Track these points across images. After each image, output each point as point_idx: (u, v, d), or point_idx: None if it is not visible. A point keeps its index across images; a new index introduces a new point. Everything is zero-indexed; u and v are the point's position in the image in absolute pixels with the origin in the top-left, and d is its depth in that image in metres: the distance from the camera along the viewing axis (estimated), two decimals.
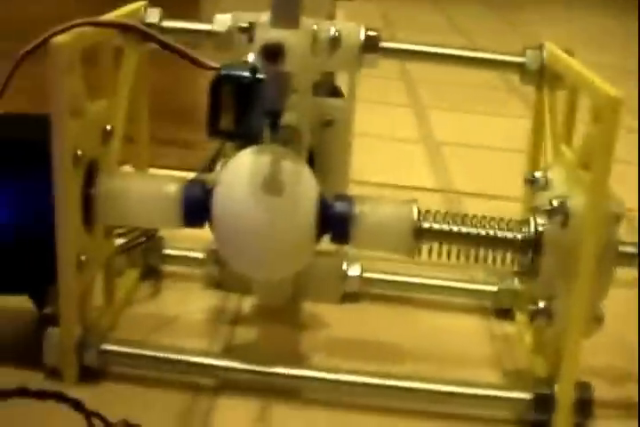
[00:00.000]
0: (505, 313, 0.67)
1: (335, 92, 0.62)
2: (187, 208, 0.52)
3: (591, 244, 0.48)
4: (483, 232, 0.52)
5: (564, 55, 0.57)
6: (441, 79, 1.40)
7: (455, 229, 0.52)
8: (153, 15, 0.60)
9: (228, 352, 0.58)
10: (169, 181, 0.53)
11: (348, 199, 0.52)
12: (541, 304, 0.51)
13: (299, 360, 0.58)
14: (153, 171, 0.67)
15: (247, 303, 0.65)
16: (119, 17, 0.57)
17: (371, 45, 0.58)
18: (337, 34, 0.56)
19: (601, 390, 0.54)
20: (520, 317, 0.65)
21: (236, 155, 0.51)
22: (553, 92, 0.59)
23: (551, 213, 0.50)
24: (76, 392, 0.50)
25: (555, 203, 0.50)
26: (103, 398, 0.52)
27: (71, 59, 0.48)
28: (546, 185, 0.54)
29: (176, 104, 1.08)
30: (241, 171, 0.49)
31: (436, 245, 0.52)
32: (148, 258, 0.67)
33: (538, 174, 0.54)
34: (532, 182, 0.55)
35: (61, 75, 0.47)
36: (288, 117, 0.52)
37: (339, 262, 0.63)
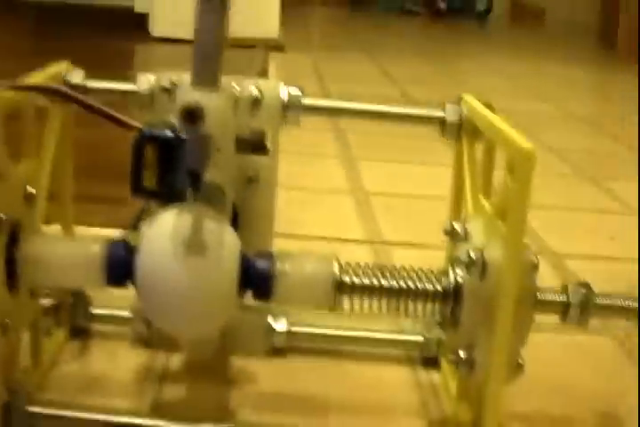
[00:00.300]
0: (433, 361, 0.68)
1: (260, 147, 0.62)
2: (110, 268, 0.52)
3: (509, 293, 0.49)
4: (403, 285, 0.52)
5: (482, 109, 0.58)
6: (370, 129, 1.42)
7: (375, 282, 0.52)
8: (76, 76, 0.61)
9: (155, 411, 0.58)
10: (92, 242, 0.53)
11: (269, 257, 0.52)
12: (462, 353, 0.52)
13: (226, 416, 0.58)
14: (81, 229, 0.67)
15: (175, 360, 0.65)
16: (42, 79, 0.57)
17: (293, 104, 0.59)
18: (258, 94, 0.57)
19: None
20: (445, 365, 0.65)
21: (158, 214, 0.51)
22: (472, 144, 0.61)
23: (469, 264, 0.51)
24: None
25: (472, 255, 0.51)
26: None
27: None
28: (465, 236, 0.55)
29: (103, 160, 1.08)
30: (163, 231, 0.49)
31: (357, 298, 0.53)
32: (74, 317, 0.67)
33: (457, 226, 0.55)
34: (451, 234, 0.56)
35: None
36: (211, 175, 0.52)
37: (264, 318, 0.63)
